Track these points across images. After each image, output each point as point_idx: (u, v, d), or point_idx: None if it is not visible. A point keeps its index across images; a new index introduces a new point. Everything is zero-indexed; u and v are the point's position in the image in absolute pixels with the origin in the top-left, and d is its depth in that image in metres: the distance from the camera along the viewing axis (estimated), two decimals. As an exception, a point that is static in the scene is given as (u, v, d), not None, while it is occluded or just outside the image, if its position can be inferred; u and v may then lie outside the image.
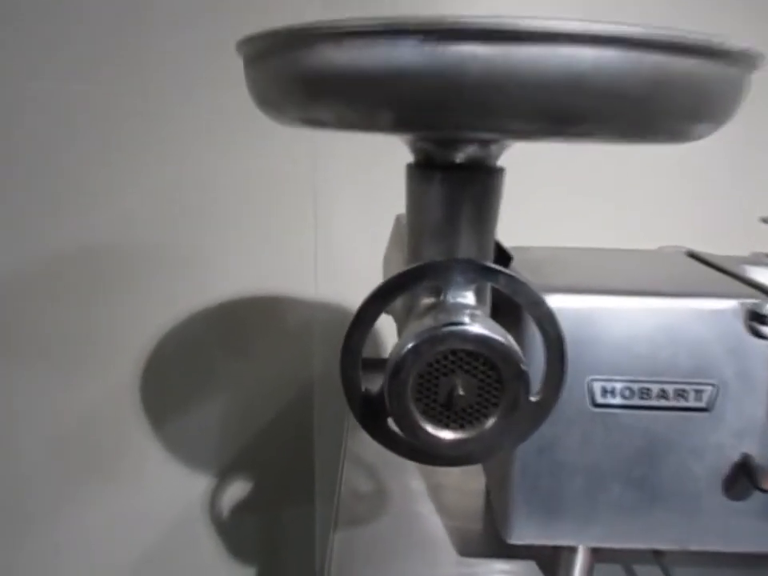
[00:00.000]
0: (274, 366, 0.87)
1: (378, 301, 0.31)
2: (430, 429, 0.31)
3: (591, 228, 0.76)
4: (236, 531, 0.91)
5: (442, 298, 0.31)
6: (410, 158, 0.36)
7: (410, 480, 0.63)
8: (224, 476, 0.89)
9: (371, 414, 0.33)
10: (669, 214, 0.77)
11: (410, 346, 0.30)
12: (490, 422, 0.31)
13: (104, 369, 0.82)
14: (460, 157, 0.33)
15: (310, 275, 0.84)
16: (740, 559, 0.49)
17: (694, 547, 0.46)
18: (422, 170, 0.34)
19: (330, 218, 0.83)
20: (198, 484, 0.89)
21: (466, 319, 0.30)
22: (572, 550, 0.49)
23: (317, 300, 0.85)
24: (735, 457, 0.44)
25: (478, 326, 0.29)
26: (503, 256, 0.42)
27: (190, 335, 0.84)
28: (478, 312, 0.31)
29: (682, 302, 0.44)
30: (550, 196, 0.78)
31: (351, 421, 0.60)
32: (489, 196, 0.34)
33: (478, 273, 0.31)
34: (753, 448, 0.44)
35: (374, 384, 0.34)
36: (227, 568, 0.92)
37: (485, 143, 0.32)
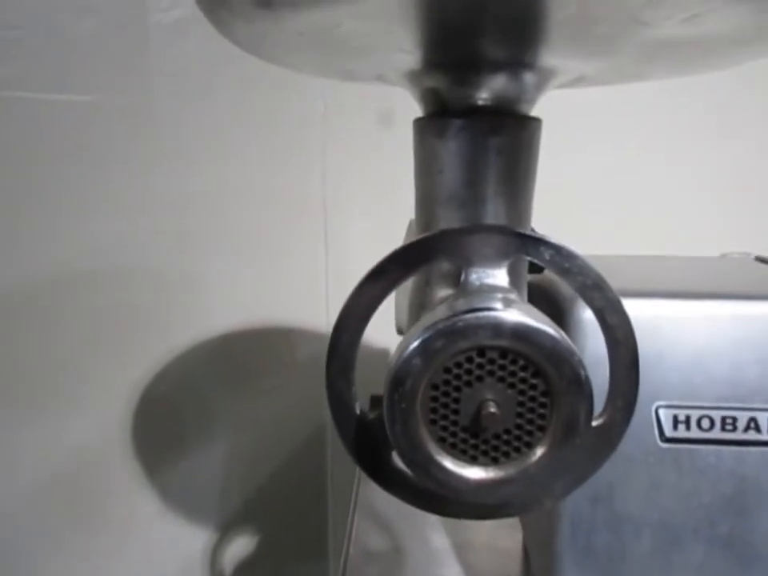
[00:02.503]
0: (282, 404, 0.79)
1: (374, 287, 0.23)
2: (450, 465, 0.21)
3: (634, 237, 0.68)
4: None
5: (463, 278, 0.22)
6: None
7: (432, 535, 0.54)
8: (226, 529, 0.81)
9: (368, 445, 0.24)
10: (727, 219, 0.68)
11: (415, 344, 0.21)
12: (536, 455, 0.21)
13: (90, 407, 0.75)
14: (483, 97, 0.25)
15: (321, 303, 0.77)
16: None
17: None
18: (434, 120, 0.26)
19: (343, 240, 0.76)
20: (197, 538, 0.80)
21: (498, 305, 0.21)
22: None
23: (329, 330, 0.77)
24: None
25: (517, 313, 0.21)
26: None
27: (187, 370, 0.76)
28: (513, 296, 0.22)
29: (770, 306, 0.35)
30: (596, 205, 0.70)
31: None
32: (522, 151, 0.25)
33: (512, 243, 0.22)
34: None
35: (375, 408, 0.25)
36: (229, 634, 0.82)
37: (516, 73, 0.24)
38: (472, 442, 0.22)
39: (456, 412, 0.21)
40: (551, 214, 0.67)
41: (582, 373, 0.20)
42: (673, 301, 0.35)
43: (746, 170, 0.69)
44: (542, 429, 0.21)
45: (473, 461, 0.22)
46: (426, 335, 0.21)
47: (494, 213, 0.25)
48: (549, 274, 0.40)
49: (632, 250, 0.56)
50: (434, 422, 0.22)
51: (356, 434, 0.24)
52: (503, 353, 0.21)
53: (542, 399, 0.21)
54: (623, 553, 0.35)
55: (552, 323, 0.21)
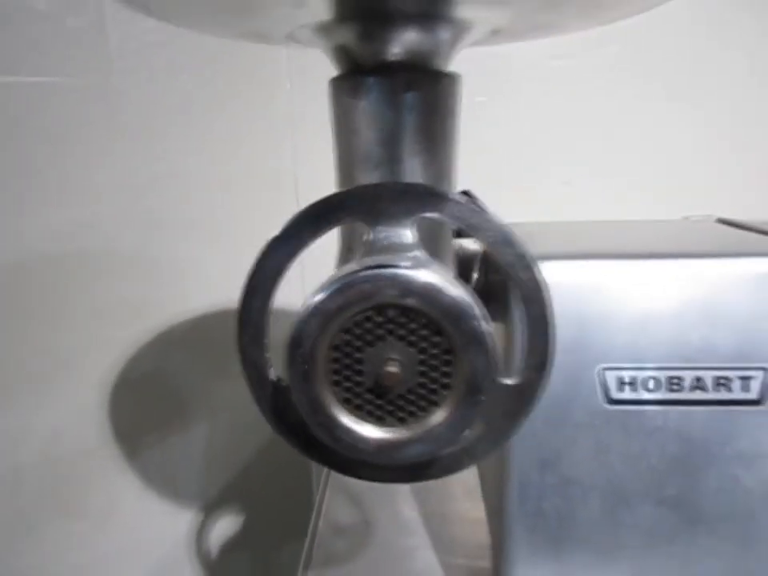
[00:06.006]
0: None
1: (281, 250, 0.22)
2: (355, 426, 0.21)
3: (605, 203, 0.67)
4: (226, 572, 0.82)
5: (366, 237, 0.22)
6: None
7: (403, 508, 0.53)
8: (210, 511, 0.81)
9: (285, 411, 0.23)
10: (692, 183, 0.67)
11: (311, 305, 0.20)
12: (441, 413, 0.21)
13: (67, 392, 0.74)
14: (394, 53, 0.24)
15: (297, 282, 0.76)
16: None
17: (752, 585, 0.35)
18: (347, 78, 0.25)
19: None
20: (181, 521, 0.80)
21: (397, 262, 0.20)
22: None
23: (306, 310, 0.76)
24: (803, 465, 0.34)
25: (415, 270, 0.20)
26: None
27: (165, 353, 0.76)
28: (414, 254, 0.21)
29: (717, 264, 0.34)
30: (559, 171, 0.68)
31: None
32: (437, 108, 0.25)
33: (416, 201, 0.21)
34: (826, 452, 0.34)
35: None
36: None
37: (425, 26, 0.23)
38: (377, 402, 0.21)
39: (359, 373, 0.21)
40: (503, 177, 0.67)
41: (481, 328, 0.20)
42: (616, 261, 0.35)
43: (712, 132, 0.67)
44: (446, 387, 0.21)
45: (379, 421, 0.21)
46: (321, 296, 0.20)
47: (410, 171, 0.25)
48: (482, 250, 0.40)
49: (604, 214, 0.55)
50: (337, 383, 0.21)
51: (271, 400, 0.23)
52: (403, 311, 0.20)
53: (445, 357, 0.21)
54: (573, 516, 0.35)
55: (453, 280, 0.21)
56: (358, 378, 0.21)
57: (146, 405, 0.77)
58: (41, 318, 0.73)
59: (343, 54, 0.25)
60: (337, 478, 0.59)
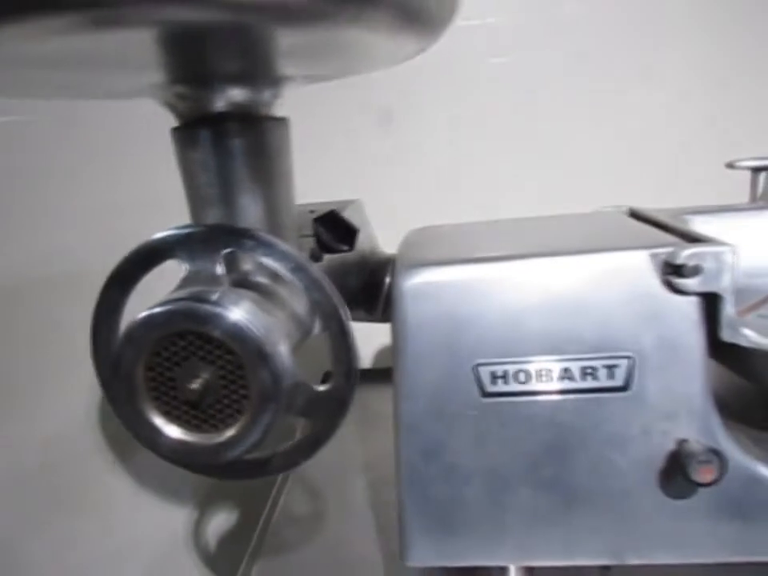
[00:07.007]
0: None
1: (117, 286, 0.26)
2: (175, 434, 0.25)
3: (539, 196, 0.68)
4: (225, 564, 0.86)
5: (182, 273, 0.25)
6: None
7: (356, 498, 0.57)
8: (207, 503, 0.85)
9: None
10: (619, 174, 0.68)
11: (127, 330, 0.24)
12: (245, 420, 0.24)
13: (63, 394, 0.79)
14: (219, 106, 0.27)
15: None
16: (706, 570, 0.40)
17: (633, 560, 0.37)
18: (182, 130, 0.29)
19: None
20: (178, 515, 0.85)
21: (195, 295, 0.23)
22: (503, 571, 0.41)
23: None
24: (669, 445, 0.36)
25: (204, 302, 0.23)
26: (348, 230, 0.35)
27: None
28: (215, 287, 0.25)
29: (578, 261, 0.36)
30: (490, 170, 0.70)
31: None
32: (265, 150, 0.28)
33: (220, 239, 0.25)
34: (691, 432, 0.36)
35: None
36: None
37: (241, 85, 0.26)
38: (193, 413, 0.25)
39: (174, 389, 0.24)
40: (432, 178, 0.68)
41: (264, 348, 0.23)
42: (485, 265, 0.37)
43: (638, 124, 0.68)
44: (245, 397, 0.24)
45: (197, 429, 0.25)
46: (131, 326, 0.24)
47: (243, 209, 0.28)
48: (395, 254, 0.43)
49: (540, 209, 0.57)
50: (157, 398, 0.25)
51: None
52: (200, 335, 0.24)
53: (239, 372, 0.24)
54: (459, 500, 0.38)
55: (247, 308, 0.24)
56: (174, 393, 0.24)
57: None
58: (41, 329, 0.78)
59: (174, 109, 0.29)
60: (297, 471, 0.62)
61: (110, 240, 0.75)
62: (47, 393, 0.79)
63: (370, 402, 0.51)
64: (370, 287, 0.45)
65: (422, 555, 0.39)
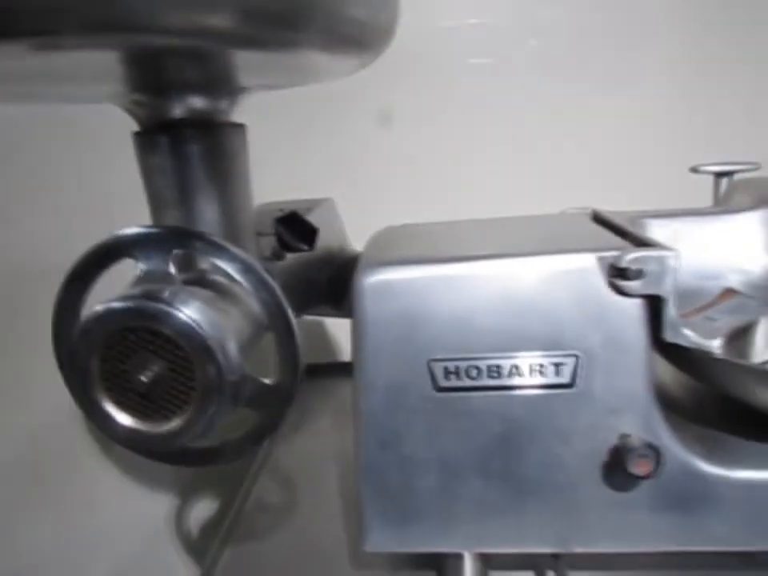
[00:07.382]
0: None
1: (75, 285, 0.27)
2: (127, 423, 0.26)
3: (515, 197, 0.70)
4: (207, 545, 0.88)
5: (136, 271, 0.27)
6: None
7: (329, 485, 0.58)
8: (190, 491, 0.87)
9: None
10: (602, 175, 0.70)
11: (81, 324, 0.25)
12: (191, 411, 0.26)
13: (49, 383, 0.80)
14: (177, 113, 0.29)
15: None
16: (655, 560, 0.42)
17: (578, 548, 0.39)
18: (141, 135, 0.30)
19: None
20: (161, 502, 0.86)
21: (145, 292, 0.25)
22: (458, 558, 0.43)
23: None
24: (612, 439, 0.37)
25: (153, 299, 0.25)
26: (307, 229, 0.37)
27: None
28: (165, 285, 0.26)
29: (530, 262, 0.38)
30: (466, 169, 0.72)
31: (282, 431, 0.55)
32: (222, 154, 0.29)
33: (170, 240, 0.26)
34: (633, 427, 0.37)
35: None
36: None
37: (197, 94, 0.28)
38: (144, 403, 0.26)
39: (127, 380, 0.26)
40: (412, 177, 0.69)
41: (209, 344, 0.25)
42: (439, 266, 0.39)
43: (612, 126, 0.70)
44: (192, 388, 0.26)
45: (148, 418, 0.26)
46: (85, 320, 0.25)
47: (200, 211, 0.30)
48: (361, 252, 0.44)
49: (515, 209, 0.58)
50: (110, 388, 0.26)
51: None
52: (151, 331, 0.25)
53: (187, 365, 0.25)
54: (414, 490, 0.39)
55: (194, 305, 0.25)
56: (126, 384, 0.26)
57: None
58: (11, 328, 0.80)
59: (134, 115, 0.30)
60: (273, 461, 0.64)
61: (92, 236, 0.78)
62: (33, 382, 0.81)
63: (348, 393, 0.53)
64: (338, 283, 0.46)
65: (380, 542, 0.40)
